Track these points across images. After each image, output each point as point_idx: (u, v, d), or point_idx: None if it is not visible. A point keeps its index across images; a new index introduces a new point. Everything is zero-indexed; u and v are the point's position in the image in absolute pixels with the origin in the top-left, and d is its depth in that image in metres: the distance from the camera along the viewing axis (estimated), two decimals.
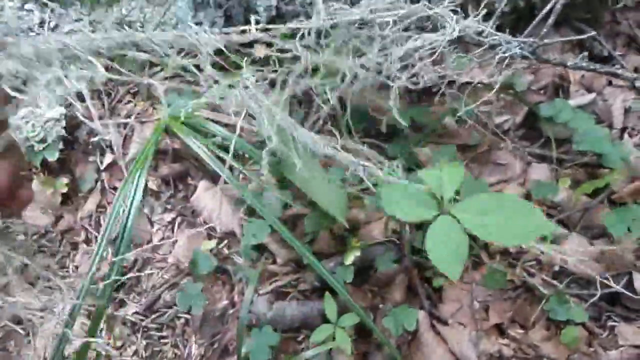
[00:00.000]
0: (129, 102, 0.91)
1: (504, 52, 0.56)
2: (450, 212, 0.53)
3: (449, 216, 0.52)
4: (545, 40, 0.69)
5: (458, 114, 0.72)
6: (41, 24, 0.80)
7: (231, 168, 0.82)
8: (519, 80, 0.88)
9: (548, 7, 0.69)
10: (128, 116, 0.89)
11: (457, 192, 0.77)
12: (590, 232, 0.78)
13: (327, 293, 0.69)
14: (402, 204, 0.56)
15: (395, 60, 0.54)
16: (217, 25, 0.82)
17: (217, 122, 0.87)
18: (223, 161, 0.79)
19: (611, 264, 0.75)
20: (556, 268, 0.76)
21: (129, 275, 0.77)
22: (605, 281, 0.71)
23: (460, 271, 0.47)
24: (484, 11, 0.58)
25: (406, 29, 0.56)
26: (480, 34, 0.56)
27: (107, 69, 0.86)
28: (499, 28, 0.85)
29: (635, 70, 0.90)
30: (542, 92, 0.90)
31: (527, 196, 0.79)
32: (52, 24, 0.81)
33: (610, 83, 0.88)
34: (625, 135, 0.82)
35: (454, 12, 0.59)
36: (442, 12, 0.50)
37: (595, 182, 0.75)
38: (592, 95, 0.86)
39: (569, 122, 0.79)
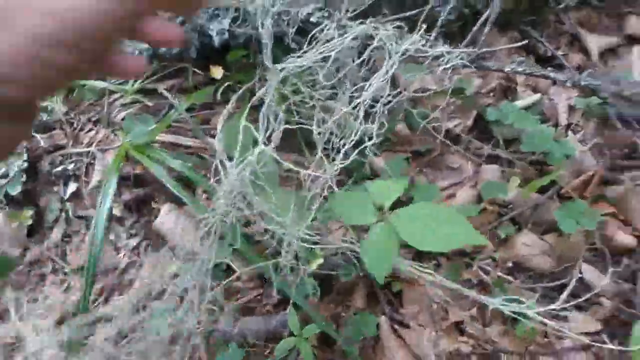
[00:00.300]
0: (91, 130, 0.92)
1: (446, 63, 0.59)
2: (387, 219, 0.55)
3: (386, 224, 0.55)
4: (484, 49, 0.72)
5: (410, 122, 0.75)
6: None
7: (193, 190, 0.84)
8: (468, 85, 0.91)
9: (483, 17, 0.72)
10: (90, 144, 0.90)
11: (412, 199, 0.80)
12: (542, 227, 0.81)
13: (290, 306, 0.71)
14: (348, 210, 0.59)
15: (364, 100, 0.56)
16: (172, 51, 0.84)
17: (177, 145, 0.89)
18: (186, 184, 0.81)
19: (562, 256, 0.78)
20: (510, 264, 0.79)
21: (97, 304, 0.78)
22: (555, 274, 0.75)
23: (384, 273, 0.50)
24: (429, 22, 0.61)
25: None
26: (424, 46, 0.59)
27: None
28: (448, 36, 0.88)
29: (578, 67, 0.94)
30: (491, 94, 0.93)
31: (479, 197, 0.82)
32: None
33: (554, 82, 0.91)
34: (570, 132, 0.85)
35: (399, 27, 0.62)
36: (384, 36, 0.52)
37: (542, 180, 0.78)
38: (538, 96, 0.89)
39: (515, 123, 0.82)
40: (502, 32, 0.98)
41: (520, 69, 0.72)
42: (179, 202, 0.83)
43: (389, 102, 0.51)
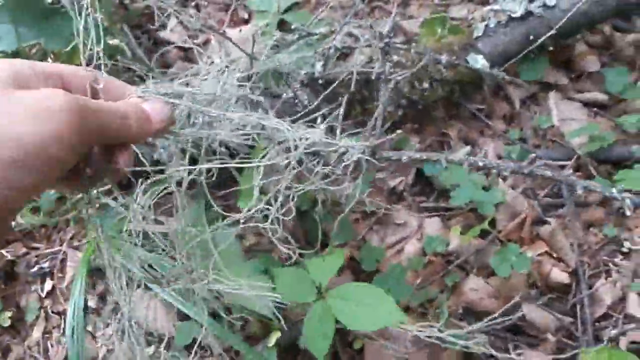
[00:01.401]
0: (62, 229, 0.99)
1: (350, 157, 0.66)
2: (325, 298, 0.61)
3: (324, 301, 0.61)
4: (378, 141, 0.79)
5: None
6: None
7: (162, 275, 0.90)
8: (406, 143, 0.99)
9: (376, 113, 0.79)
10: (62, 242, 0.97)
11: (362, 260, 0.86)
12: (487, 270, 0.87)
13: None
14: (289, 287, 0.65)
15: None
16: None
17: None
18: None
19: (506, 297, 0.84)
20: (460, 310, 0.85)
21: None
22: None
23: (324, 351, 0.56)
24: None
25: None
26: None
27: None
28: (393, 127, 0.97)
29: (504, 116, 1.03)
30: (428, 149, 1.01)
31: (424, 251, 0.88)
32: None
33: (482, 133, 1.00)
34: (500, 180, 0.93)
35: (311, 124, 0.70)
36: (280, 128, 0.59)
37: (476, 228, 0.85)
38: (468, 148, 0.98)
39: (446, 178, 0.90)
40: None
41: (417, 156, 0.78)
42: (148, 288, 0.89)
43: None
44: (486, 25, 0.99)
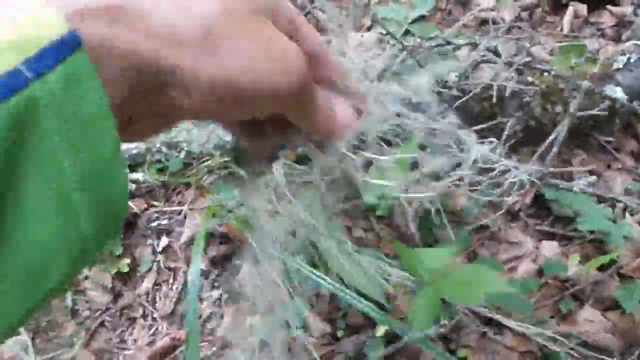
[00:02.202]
0: (180, 192, 1.04)
1: (513, 178, 0.66)
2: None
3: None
4: (550, 169, 0.79)
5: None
6: None
7: None
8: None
9: (552, 136, 0.79)
10: (181, 204, 1.02)
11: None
12: (603, 304, 0.84)
13: None
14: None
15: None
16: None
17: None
18: None
19: (625, 335, 0.81)
20: (573, 342, 0.82)
21: (181, 349, 0.86)
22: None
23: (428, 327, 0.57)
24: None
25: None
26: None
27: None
28: (512, 147, 0.97)
29: (632, 152, 1.00)
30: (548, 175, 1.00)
31: (540, 272, 0.86)
32: None
33: (609, 166, 0.98)
34: (627, 214, 0.90)
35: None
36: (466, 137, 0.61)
37: (602, 258, 0.83)
38: (594, 178, 0.95)
39: (573, 204, 0.88)
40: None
41: (589, 190, 0.78)
42: (258, 261, 0.92)
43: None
44: (628, 59, 0.98)
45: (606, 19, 1.29)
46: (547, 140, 0.86)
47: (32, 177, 0.18)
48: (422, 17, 1.28)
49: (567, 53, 1.02)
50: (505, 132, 0.94)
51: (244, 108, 0.25)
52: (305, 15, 1.42)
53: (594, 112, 0.77)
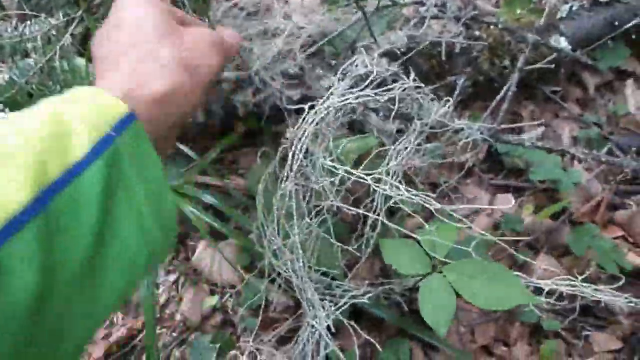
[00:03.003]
0: None
1: (466, 137, 0.65)
2: (441, 271, 0.60)
3: (440, 275, 0.60)
4: (502, 126, 0.78)
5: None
6: None
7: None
8: (478, 120, 0.98)
9: (501, 93, 0.78)
10: None
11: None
12: (557, 251, 0.86)
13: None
14: (399, 258, 0.64)
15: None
16: (197, 118, 0.91)
17: (208, 186, 0.95)
18: (223, 219, 0.87)
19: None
20: (530, 288, 0.84)
21: (139, 338, 0.82)
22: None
23: (446, 327, 0.54)
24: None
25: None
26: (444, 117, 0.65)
27: None
28: (462, 102, 0.96)
29: (577, 100, 1.02)
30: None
31: (495, 226, 0.87)
32: None
33: (557, 116, 0.99)
34: (575, 162, 0.92)
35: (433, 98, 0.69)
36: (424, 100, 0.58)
37: (554, 206, 0.84)
38: (542, 128, 0.96)
39: (522, 155, 0.89)
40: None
41: (539, 144, 0.77)
42: (214, 239, 0.88)
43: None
44: (570, 7, 0.98)
45: None
46: (497, 97, 0.85)
47: (122, 194, 0.29)
48: None
49: (513, 4, 1.00)
50: (457, 91, 0.92)
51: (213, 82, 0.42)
52: None
53: (541, 65, 0.76)
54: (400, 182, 0.61)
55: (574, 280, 0.64)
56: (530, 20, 0.99)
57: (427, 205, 0.51)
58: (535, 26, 0.98)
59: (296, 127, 0.64)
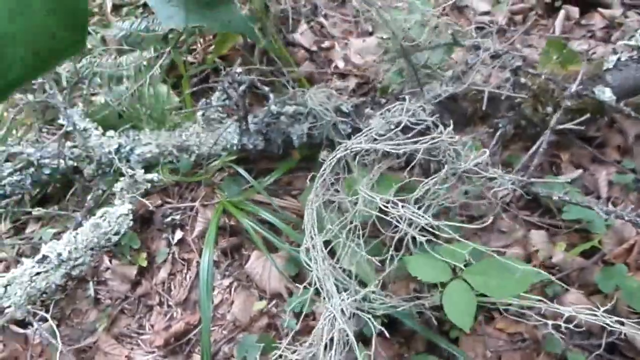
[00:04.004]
0: (192, 189, 1.12)
1: (498, 186, 0.72)
2: (461, 276, 0.68)
3: (460, 280, 0.68)
4: (532, 179, 0.85)
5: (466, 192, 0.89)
6: (119, 148, 1.04)
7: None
8: (516, 160, 1.04)
9: (535, 146, 0.85)
10: (193, 200, 1.10)
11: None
12: (587, 289, 0.90)
13: (359, 344, 0.83)
14: (424, 270, 0.72)
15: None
16: (259, 146, 1.03)
17: (265, 204, 1.06)
18: (276, 233, 0.97)
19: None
20: (559, 322, 0.87)
21: (195, 332, 0.93)
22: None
23: (470, 322, 0.62)
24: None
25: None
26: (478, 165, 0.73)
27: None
28: (504, 143, 1.03)
29: (618, 147, 1.06)
30: (538, 169, 1.06)
31: (528, 259, 0.92)
32: (128, 148, 1.05)
33: (594, 160, 1.03)
34: (610, 205, 0.95)
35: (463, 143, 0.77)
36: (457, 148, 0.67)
37: (583, 245, 0.88)
38: (580, 171, 1.01)
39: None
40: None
41: (566, 198, 0.83)
42: (267, 250, 0.99)
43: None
44: (618, 59, 1.03)
45: (597, 21, 1.35)
46: (538, 142, 0.91)
47: None
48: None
49: (550, 50, 1.07)
50: (494, 142, 0.99)
51: None
52: (309, 23, 1.49)
53: (581, 120, 0.82)
54: (435, 212, 0.70)
55: (595, 311, 0.68)
56: (577, 70, 1.05)
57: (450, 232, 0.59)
58: (580, 76, 1.04)
59: (329, 158, 0.75)
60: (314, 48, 1.43)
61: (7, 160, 1.05)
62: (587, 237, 0.94)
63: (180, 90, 1.22)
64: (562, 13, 1.37)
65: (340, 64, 1.36)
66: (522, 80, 1.05)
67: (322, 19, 1.49)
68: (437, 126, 0.65)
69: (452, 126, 0.64)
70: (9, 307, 0.75)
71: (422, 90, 0.98)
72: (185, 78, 1.20)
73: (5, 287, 0.76)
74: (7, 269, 1.10)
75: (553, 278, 0.74)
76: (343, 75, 1.36)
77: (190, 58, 1.34)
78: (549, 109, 1.03)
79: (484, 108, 0.95)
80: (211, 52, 1.31)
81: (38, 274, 0.79)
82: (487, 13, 1.41)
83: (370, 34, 1.45)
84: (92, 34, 1.47)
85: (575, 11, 1.37)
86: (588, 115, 0.91)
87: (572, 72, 1.03)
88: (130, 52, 1.24)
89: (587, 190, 1.00)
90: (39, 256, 0.80)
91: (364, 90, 1.31)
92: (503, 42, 1.33)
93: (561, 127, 0.82)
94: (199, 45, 1.33)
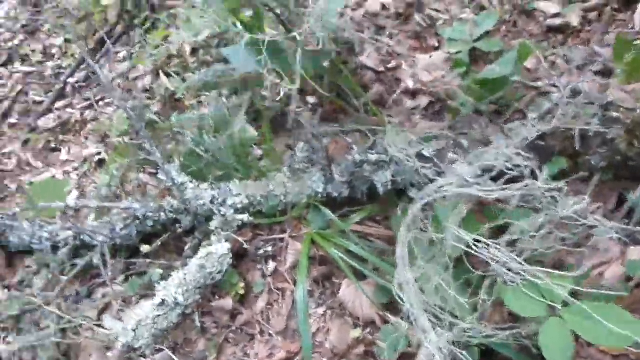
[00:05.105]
0: (281, 222, 1.19)
1: (600, 235, 0.71)
2: (560, 315, 0.68)
3: (558, 318, 0.68)
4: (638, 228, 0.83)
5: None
6: (212, 200, 1.13)
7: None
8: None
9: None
10: (282, 232, 1.17)
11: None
12: None
13: None
14: (521, 304, 0.73)
15: None
16: (343, 194, 1.08)
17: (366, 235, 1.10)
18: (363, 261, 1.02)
19: None
20: None
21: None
22: None
23: None
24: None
25: None
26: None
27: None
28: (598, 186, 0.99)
29: None
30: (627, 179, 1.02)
31: (629, 278, 0.89)
32: (221, 199, 1.14)
33: None
34: None
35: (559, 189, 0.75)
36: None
37: None
38: None
39: None
40: None
41: None
42: (356, 279, 1.03)
43: None
44: None
45: None
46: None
47: None
48: (487, 33, 1.33)
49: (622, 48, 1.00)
50: (591, 187, 0.95)
51: None
52: (375, 43, 1.52)
53: None
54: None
55: None
56: None
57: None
58: None
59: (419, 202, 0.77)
60: (381, 69, 1.45)
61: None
62: None
63: (260, 124, 1.30)
64: None
65: (410, 83, 1.37)
66: (614, 114, 1.00)
67: (386, 39, 1.51)
68: (533, 173, 0.65)
69: (547, 171, 0.64)
70: (140, 347, 0.85)
71: (503, 131, 0.97)
72: (263, 112, 1.28)
73: (134, 330, 0.85)
74: (124, 301, 1.22)
75: None
76: (413, 94, 1.37)
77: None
78: None
79: (577, 147, 0.91)
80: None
81: (159, 316, 0.88)
82: (557, 15, 1.36)
83: (436, 48, 1.46)
84: (173, 76, 1.59)
85: None
86: None
87: None
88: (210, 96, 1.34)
89: None
90: (158, 300, 0.90)
91: (435, 109, 1.32)
92: (578, 45, 1.28)
93: None
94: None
